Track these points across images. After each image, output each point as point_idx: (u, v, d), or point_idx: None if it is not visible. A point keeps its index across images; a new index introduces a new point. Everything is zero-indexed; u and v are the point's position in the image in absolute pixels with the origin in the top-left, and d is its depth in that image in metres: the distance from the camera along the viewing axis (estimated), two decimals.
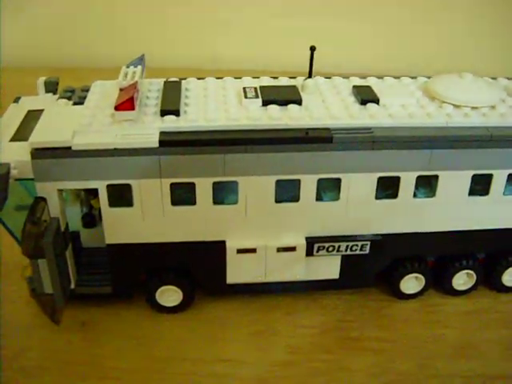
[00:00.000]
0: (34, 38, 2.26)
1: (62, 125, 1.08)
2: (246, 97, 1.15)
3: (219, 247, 1.16)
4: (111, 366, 1.14)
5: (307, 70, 1.21)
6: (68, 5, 2.22)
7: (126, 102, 1.06)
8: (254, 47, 2.26)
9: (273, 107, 1.13)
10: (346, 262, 1.22)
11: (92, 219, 1.26)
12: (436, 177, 1.15)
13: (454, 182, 1.16)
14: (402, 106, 1.16)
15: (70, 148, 1.04)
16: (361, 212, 1.17)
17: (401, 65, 2.06)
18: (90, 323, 1.22)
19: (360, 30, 2.27)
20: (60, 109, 1.15)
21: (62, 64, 2.19)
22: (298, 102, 1.15)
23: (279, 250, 1.17)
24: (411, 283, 1.28)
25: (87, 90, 1.21)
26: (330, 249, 1.19)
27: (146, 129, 1.07)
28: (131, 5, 2.27)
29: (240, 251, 1.17)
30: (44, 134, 1.06)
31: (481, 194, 1.19)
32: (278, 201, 1.14)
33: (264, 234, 1.16)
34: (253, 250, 1.17)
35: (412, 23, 2.26)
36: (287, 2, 2.23)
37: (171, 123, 1.08)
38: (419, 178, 1.15)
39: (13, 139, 1.09)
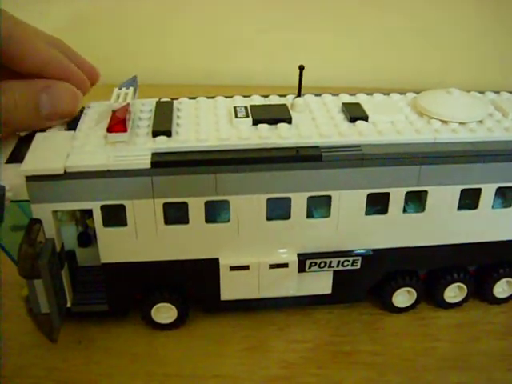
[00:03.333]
0: None
1: (53, 151, 1.09)
2: (236, 116, 1.17)
3: (212, 265, 1.18)
4: (107, 383, 1.15)
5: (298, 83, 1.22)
6: (61, 22, 2.24)
7: (118, 124, 1.08)
8: (246, 62, 2.28)
9: (263, 126, 1.15)
10: (338, 277, 1.24)
11: (87, 238, 1.28)
12: (425, 192, 1.17)
13: (444, 196, 1.18)
14: (390, 123, 1.18)
15: (61, 175, 1.06)
16: (351, 228, 1.19)
17: (389, 78, 2.08)
18: (85, 341, 1.24)
19: (348, 44, 2.30)
20: (51, 133, 1.16)
21: None
22: (288, 120, 1.16)
23: (272, 266, 1.19)
24: (403, 297, 1.30)
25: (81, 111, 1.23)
26: (322, 265, 1.20)
27: (138, 150, 1.09)
28: (125, 23, 2.29)
29: (233, 268, 1.18)
30: (36, 161, 1.07)
31: (470, 208, 1.21)
32: (269, 218, 1.16)
33: (256, 251, 1.18)
34: (246, 267, 1.18)
35: (400, 38, 2.28)
36: (278, 18, 2.25)
37: (163, 144, 1.10)
38: (409, 193, 1.17)
39: (8, 161, 1.11)
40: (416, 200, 1.20)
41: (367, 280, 1.26)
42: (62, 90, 1.14)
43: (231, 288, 1.21)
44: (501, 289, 1.33)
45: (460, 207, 1.20)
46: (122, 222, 1.13)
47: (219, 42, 2.29)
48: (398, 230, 1.21)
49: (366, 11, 2.24)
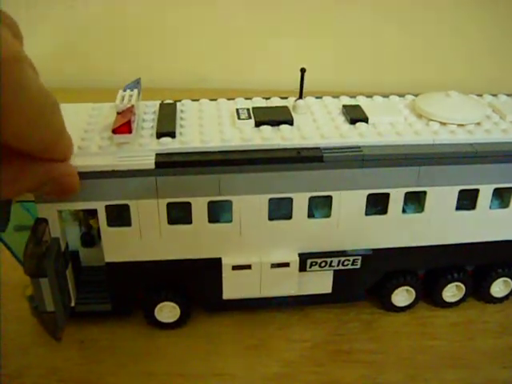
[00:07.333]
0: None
1: None
2: (239, 118, 1.18)
3: (215, 264, 1.20)
4: (109, 382, 1.17)
5: (298, 88, 1.24)
6: (67, 27, 2.25)
7: (124, 126, 1.09)
8: (246, 67, 2.29)
9: (265, 128, 1.16)
10: (338, 276, 1.25)
11: (91, 239, 1.29)
12: (424, 193, 1.19)
13: (442, 197, 1.20)
14: (390, 125, 1.20)
15: None
16: (352, 228, 1.20)
17: (390, 84, 2.10)
18: (88, 341, 1.25)
19: (349, 48, 2.31)
20: None
21: (61, 85, 2.20)
22: (290, 122, 1.18)
23: (273, 265, 1.20)
24: (402, 296, 1.32)
25: None
26: (323, 264, 1.22)
27: (143, 151, 1.10)
28: (128, 28, 2.29)
29: (235, 268, 1.20)
30: None
31: (468, 209, 1.23)
32: (271, 218, 1.17)
33: (258, 250, 1.20)
34: (248, 267, 1.20)
35: (399, 42, 2.30)
36: (278, 22, 2.27)
37: (167, 145, 1.11)
38: (408, 194, 1.19)
39: None
40: (415, 200, 1.22)
41: (367, 279, 1.28)
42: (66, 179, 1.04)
43: (233, 287, 1.22)
44: (497, 288, 1.35)
45: (458, 208, 1.21)
46: (127, 222, 1.14)
47: (220, 46, 2.29)
48: (398, 230, 1.22)
49: (365, 17, 2.26)
